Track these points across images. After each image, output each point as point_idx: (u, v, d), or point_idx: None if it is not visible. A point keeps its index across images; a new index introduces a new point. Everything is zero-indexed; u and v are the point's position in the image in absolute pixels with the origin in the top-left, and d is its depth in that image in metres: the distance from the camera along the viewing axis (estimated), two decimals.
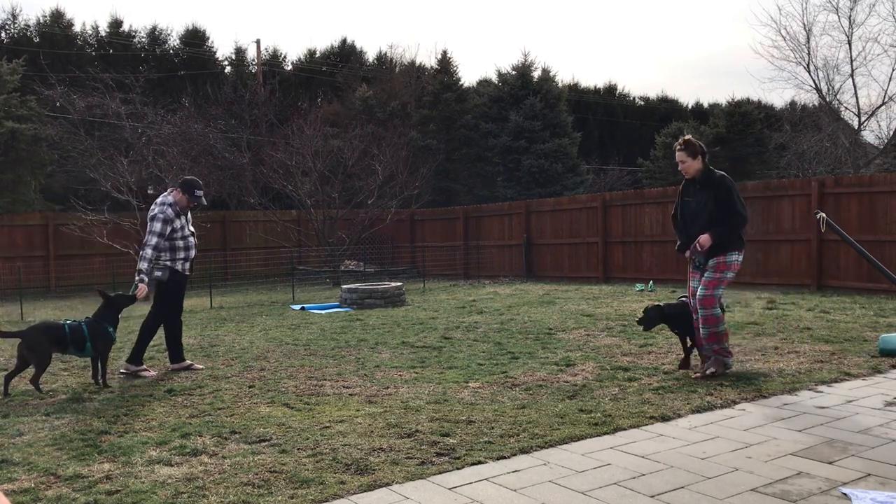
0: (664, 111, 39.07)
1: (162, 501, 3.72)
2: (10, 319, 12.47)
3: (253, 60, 32.14)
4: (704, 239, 6.00)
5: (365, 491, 3.81)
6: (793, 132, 27.37)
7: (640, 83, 66.47)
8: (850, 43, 25.51)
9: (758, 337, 8.17)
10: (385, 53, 35.57)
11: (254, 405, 5.66)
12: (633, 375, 6.32)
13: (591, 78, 71.46)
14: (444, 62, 29.74)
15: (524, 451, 4.38)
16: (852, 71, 25.63)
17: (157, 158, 19.65)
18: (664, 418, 5.00)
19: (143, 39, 31.01)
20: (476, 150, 27.84)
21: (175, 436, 4.85)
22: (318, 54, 34.46)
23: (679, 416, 5.08)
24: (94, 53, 29.83)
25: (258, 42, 38.12)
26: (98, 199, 19.74)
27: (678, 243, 6.47)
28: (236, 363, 7.58)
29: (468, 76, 63.18)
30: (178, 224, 7.23)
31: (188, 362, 7.43)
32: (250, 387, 6.35)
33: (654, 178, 30.35)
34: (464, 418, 5.07)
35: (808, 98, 29.14)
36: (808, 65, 26.13)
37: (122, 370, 7.16)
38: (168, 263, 7.21)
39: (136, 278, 7.09)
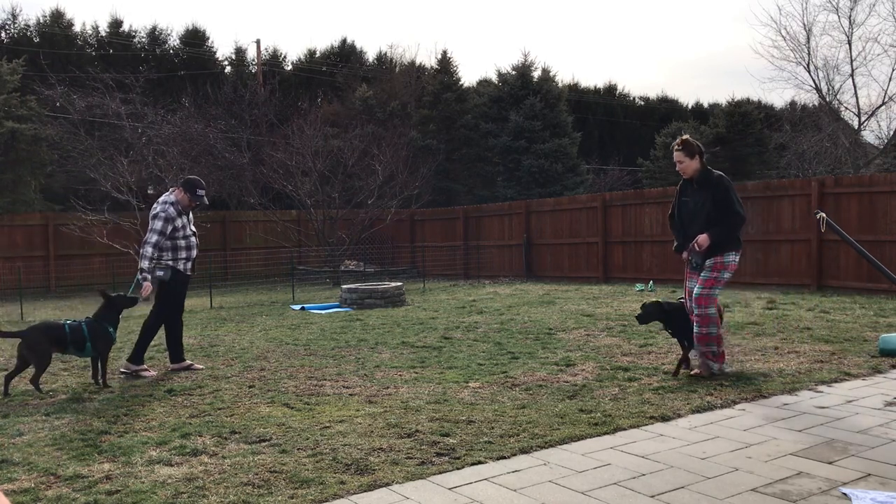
0: (664, 111, 39.07)
1: (162, 501, 3.72)
2: (10, 319, 12.47)
3: (253, 60, 32.15)
4: (703, 239, 6.00)
5: (365, 491, 3.81)
6: (793, 132, 27.38)
7: (640, 83, 66.53)
8: (850, 43, 25.55)
9: (758, 337, 8.17)
10: (385, 53, 35.62)
11: (254, 405, 5.66)
12: (633, 375, 6.32)
13: (591, 78, 71.50)
14: (444, 62, 29.75)
15: (524, 451, 4.38)
16: (852, 71, 25.66)
17: (157, 158, 19.65)
18: (664, 418, 5.00)
19: (143, 39, 31.02)
20: (476, 150, 27.85)
21: (175, 436, 4.85)
22: (318, 54, 34.47)
23: (679, 416, 5.08)
24: (94, 53, 29.83)
25: (258, 42, 38.17)
26: (98, 199, 19.74)
27: (675, 244, 6.46)
28: (236, 363, 7.58)
29: (468, 76, 63.24)
30: (179, 223, 7.24)
31: (188, 362, 7.44)
32: (250, 387, 6.36)
33: (654, 178, 30.35)
34: (464, 418, 5.07)
35: (808, 98, 29.19)
36: (808, 65, 26.17)
37: (122, 369, 7.16)
38: (170, 263, 7.22)
39: (139, 276, 7.10)
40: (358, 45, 37.62)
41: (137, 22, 52.06)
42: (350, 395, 5.93)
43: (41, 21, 29.12)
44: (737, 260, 6.15)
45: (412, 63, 32.64)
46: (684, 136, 6.31)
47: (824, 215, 7.20)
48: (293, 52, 46.04)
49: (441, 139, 27.38)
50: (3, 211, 20.09)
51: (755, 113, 32.70)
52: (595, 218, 17.88)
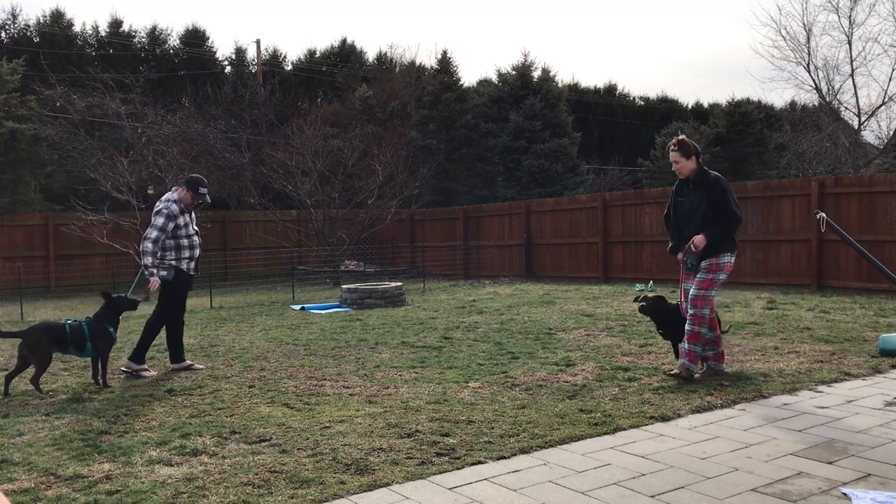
0: (664, 111, 39.06)
1: (162, 501, 3.72)
2: (10, 319, 12.47)
3: (253, 60, 32.14)
4: (699, 240, 5.96)
5: (365, 491, 3.82)
6: (793, 132, 27.37)
7: (640, 83, 66.55)
8: (850, 43, 25.55)
9: (758, 337, 8.17)
10: (385, 53, 35.60)
11: (254, 405, 5.66)
12: (633, 375, 6.32)
13: (591, 78, 71.51)
14: (444, 62, 29.75)
15: (524, 451, 4.38)
16: (852, 71, 25.67)
17: (157, 158, 19.65)
18: (664, 418, 5.00)
19: (143, 39, 31.01)
20: (476, 150, 27.85)
21: (175, 436, 4.85)
22: (318, 54, 34.46)
23: (679, 416, 5.08)
24: (94, 53, 29.82)
25: (258, 42, 38.15)
26: (98, 199, 19.74)
27: (670, 244, 6.43)
28: (236, 363, 7.58)
29: (468, 76, 63.26)
30: (181, 221, 7.25)
31: (188, 362, 7.44)
32: (250, 387, 6.36)
33: (654, 178, 30.35)
34: (464, 418, 5.07)
35: (808, 98, 29.19)
36: (808, 65, 26.17)
37: (123, 368, 7.17)
38: (173, 263, 7.24)
39: (146, 273, 7.12)
40: (358, 45, 37.67)
41: (137, 22, 52.13)
42: (350, 395, 5.93)
43: (41, 21, 29.13)
44: (732, 261, 6.12)
45: (412, 63, 32.64)
46: (680, 137, 6.28)
47: (824, 215, 7.19)
48: (293, 52, 46.11)
49: (441, 139, 27.38)
50: (3, 211, 20.09)
51: (755, 113, 32.70)
52: (595, 218, 17.88)
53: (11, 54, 24.37)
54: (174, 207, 7.20)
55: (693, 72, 63.35)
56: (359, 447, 4.49)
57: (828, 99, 26.41)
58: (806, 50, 26.13)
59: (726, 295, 12.69)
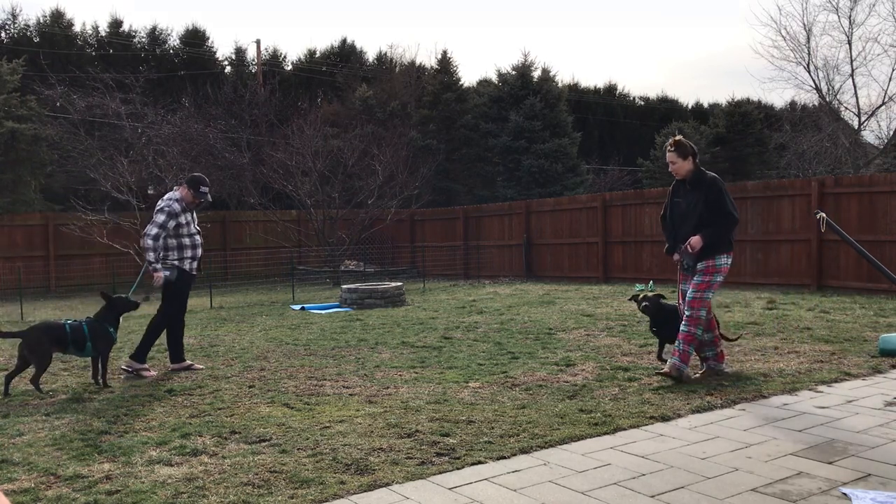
0: (664, 111, 39.06)
1: (162, 501, 3.72)
2: (10, 319, 12.47)
3: (253, 60, 32.14)
4: (695, 241, 5.92)
5: (365, 491, 3.82)
6: (793, 132, 27.38)
7: (640, 83, 66.59)
8: (850, 43, 25.56)
9: (758, 337, 8.17)
10: (385, 53, 35.60)
11: (254, 405, 5.66)
12: (633, 375, 6.32)
13: (591, 78, 71.53)
14: (444, 62, 29.74)
15: (524, 451, 4.38)
16: (852, 71, 25.67)
17: (157, 158, 19.64)
18: (664, 418, 5.00)
19: (143, 39, 31.00)
20: (476, 150, 27.85)
21: (175, 436, 4.85)
22: (318, 54, 34.46)
23: (679, 416, 5.08)
24: (94, 53, 29.81)
25: (258, 42, 38.09)
26: (98, 199, 19.73)
27: (667, 245, 6.41)
28: (236, 363, 7.58)
29: (468, 76, 63.28)
30: (183, 220, 7.27)
31: (188, 362, 7.45)
32: (250, 387, 6.36)
33: (654, 178, 30.35)
34: (464, 418, 5.07)
35: (808, 98, 29.20)
36: (808, 65, 26.18)
37: (123, 366, 7.19)
38: (176, 263, 7.25)
39: (149, 268, 7.14)
40: (358, 45, 37.65)
41: (137, 22, 52.07)
42: (350, 395, 5.93)
43: (41, 21, 29.12)
44: (729, 263, 6.07)
45: (412, 63, 32.65)
46: (677, 137, 6.26)
47: (824, 215, 7.18)
48: (293, 52, 46.09)
49: (441, 139, 27.38)
50: (3, 211, 20.09)
51: (755, 113, 32.70)
52: (595, 218, 17.88)
53: (11, 54, 24.36)
54: (176, 206, 7.23)
55: (693, 72, 63.40)
56: (359, 447, 4.49)
57: (828, 99, 26.42)
58: (806, 50, 26.16)
59: (726, 295, 12.69)
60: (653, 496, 3.68)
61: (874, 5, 41.07)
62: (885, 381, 5.96)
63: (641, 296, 6.78)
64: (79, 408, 5.74)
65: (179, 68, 30.21)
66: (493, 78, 31.13)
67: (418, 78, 30.78)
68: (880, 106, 26.01)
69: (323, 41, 58.71)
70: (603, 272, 17.58)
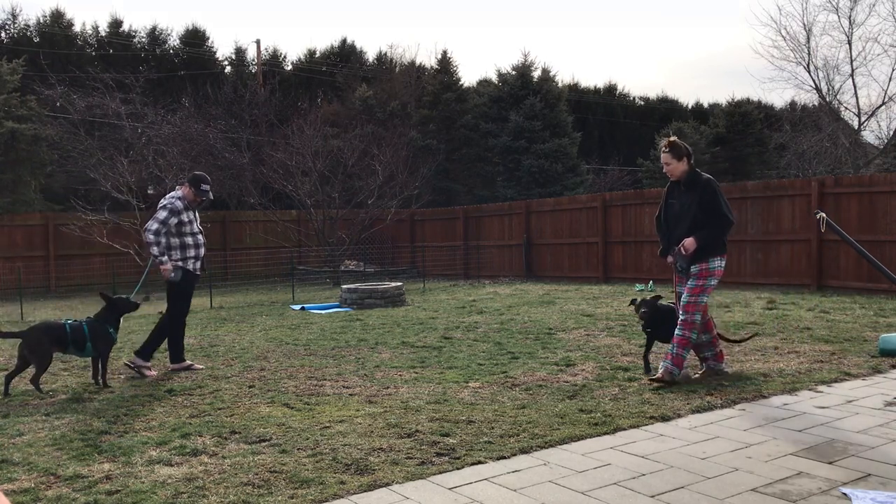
0: (664, 111, 39.06)
1: (162, 501, 3.72)
2: (10, 319, 12.47)
3: (253, 60, 32.14)
4: (689, 242, 5.88)
5: (365, 491, 3.82)
6: (793, 132, 27.38)
7: (640, 83, 66.60)
8: (850, 43, 25.56)
9: (758, 337, 8.17)
10: (385, 53, 35.59)
11: (254, 405, 5.66)
12: (633, 375, 6.32)
13: (591, 78, 71.54)
14: (444, 62, 29.74)
15: (524, 451, 4.38)
16: (852, 71, 25.67)
17: (157, 158, 19.65)
18: (664, 418, 5.00)
19: (143, 39, 31.00)
20: (476, 150, 27.85)
21: (175, 436, 4.85)
22: (318, 54, 34.46)
23: (679, 416, 5.08)
24: (94, 53, 29.81)
25: (258, 42, 38.12)
26: (98, 199, 19.73)
27: (661, 247, 6.37)
28: (236, 363, 7.58)
29: (468, 76, 63.29)
30: (185, 218, 7.29)
31: (188, 362, 7.45)
32: (250, 387, 6.36)
33: (654, 178, 30.34)
34: (464, 418, 5.07)
35: (808, 98, 29.20)
36: (808, 65, 26.17)
37: (127, 362, 7.26)
38: (179, 263, 7.27)
39: (156, 261, 7.20)
40: (358, 45, 37.65)
41: (137, 22, 52.11)
42: (350, 395, 5.93)
43: (41, 21, 29.12)
44: (723, 265, 6.03)
45: (412, 63, 32.65)
46: (671, 138, 6.23)
47: (824, 215, 7.19)
48: (293, 52, 46.10)
49: (441, 139, 27.38)
50: (3, 211, 20.09)
51: (755, 113, 32.70)
52: (595, 218, 17.88)
53: (11, 54, 24.36)
54: (178, 203, 7.26)
55: (693, 72, 63.41)
56: (359, 447, 4.49)
57: (828, 99, 26.42)
58: (806, 50, 26.16)
59: (726, 295, 12.69)
60: (653, 496, 3.68)
61: (874, 5, 41.13)
62: (885, 381, 5.96)
63: (639, 300, 6.69)
64: (79, 408, 5.74)
65: (179, 68, 30.21)
66: (493, 78, 31.15)
67: (418, 78, 30.78)
68: (880, 106, 26.04)
69: (323, 41, 58.75)
70: (603, 272, 17.58)
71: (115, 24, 30.39)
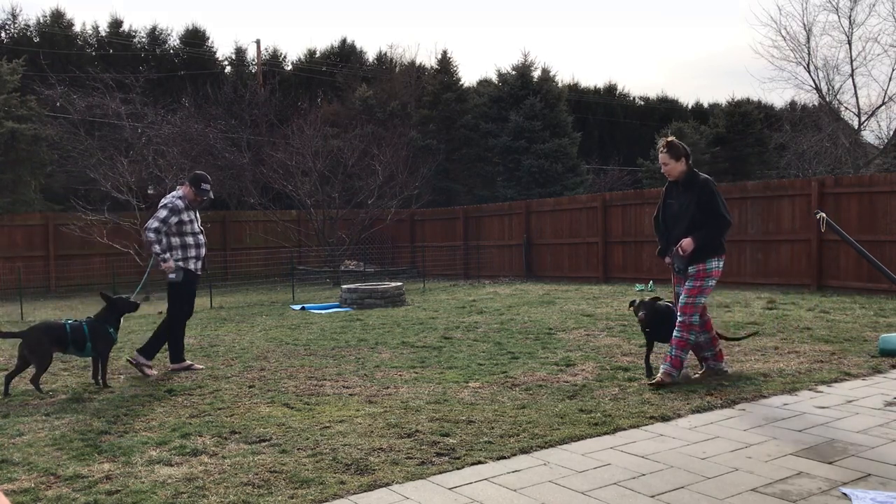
0: (664, 111, 39.05)
1: (162, 501, 3.72)
2: (10, 319, 12.47)
3: (253, 60, 32.14)
4: (687, 243, 5.86)
5: (365, 491, 3.82)
6: (793, 132, 27.38)
7: (640, 83, 66.59)
8: (850, 43, 25.55)
9: (758, 337, 8.17)
10: (385, 53, 35.59)
11: (254, 405, 5.66)
12: (633, 375, 6.32)
13: (591, 78, 71.54)
14: (444, 62, 29.74)
15: (524, 451, 4.38)
16: (852, 71, 25.67)
17: (157, 158, 19.64)
18: (664, 418, 5.00)
19: (143, 39, 30.99)
20: (476, 150, 27.85)
21: (175, 436, 4.85)
22: (318, 54, 34.45)
23: (679, 416, 5.08)
24: (94, 53, 29.81)
25: (258, 42, 38.11)
26: (98, 199, 19.72)
27: (659, 248, 6.36)
28: (236, 363, 7.58)
29: (468, 76, 63.28)
30: (186, 217, 7.31)
31: (188, 362, 7.46)
32: (250, 387, 6.36)
33: (654, 178, 30.32)
34: (464, 418, 5.07)
35: (808, 98, 29.19)
36: (808, 65, 26.17)
37: (129, 359, 7.28)
38: (181, 263, 7.28)
39: (158, 259, 7.23)
40: (358, 45, 37.64)
41: (137, 22, 52.10)
42: (350, 395, 5.93)
43: (41, 21, 29.12)
44: (721, 266, 6.02)
45: (412, 63, 32.64)
46: (669, 138, 6.21)
47: (824, 215, 7.18)
48: (293, 52, 46.07)
49: (441, 139, 27.38)
50: (3, 211, 20.09)
51: (755, 113, 32.70)
52: (595, 218, 17.88)
53: (11, 54, 24.35)
54: (179, 203, 7.29)
55: (693, 72, 63.41)
56: (359, 447, 4.49)
57: (828, 99, 26.42)
58: (806, 50, 26.16)
59: (726, 295, 12.69)
60: (653, 496, 3.68)
61: (874, 5, 41.11)
62: (885, 381, 5.96)
63: (637, 302, 6.64)
64: (79, 408, 5.74)
65: (179, 68, 30.20)
66: (493, 78, 31.15)
67: (418, 78, 30.78)
68: (880, 106, 26.04)
69: (323, 41, 58.75)
70: (603, 272, 17.58)
71: (115, 24, 30.39)
